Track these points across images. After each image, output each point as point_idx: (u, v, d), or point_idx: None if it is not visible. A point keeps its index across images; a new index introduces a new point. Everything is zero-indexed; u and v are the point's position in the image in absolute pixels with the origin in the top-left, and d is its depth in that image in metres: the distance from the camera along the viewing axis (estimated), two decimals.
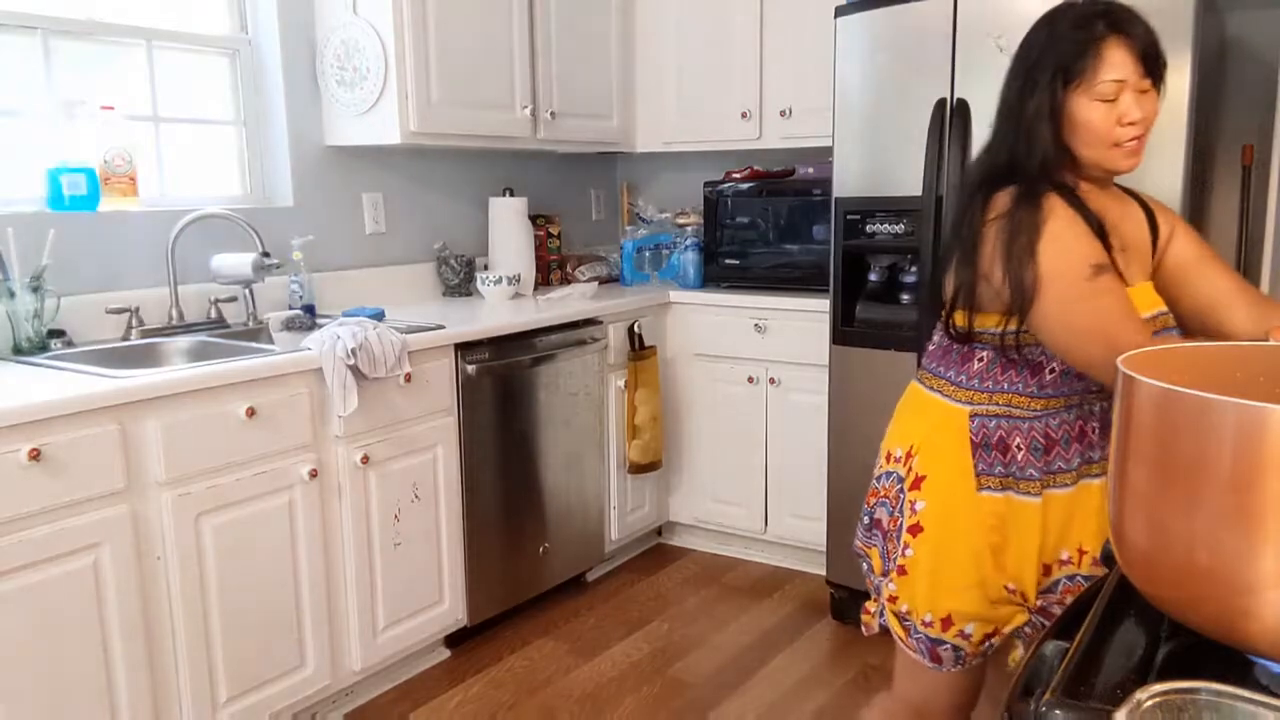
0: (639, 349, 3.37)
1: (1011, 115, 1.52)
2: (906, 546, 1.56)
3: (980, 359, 1.52)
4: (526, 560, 3.03)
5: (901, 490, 1.58)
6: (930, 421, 1.56)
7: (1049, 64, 1.46)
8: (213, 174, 2.96)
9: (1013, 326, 1.46)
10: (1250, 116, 2.89)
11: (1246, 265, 2.89)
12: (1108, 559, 0.96)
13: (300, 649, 2.36)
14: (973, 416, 1.51)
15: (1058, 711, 0.67)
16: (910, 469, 1.57)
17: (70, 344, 2.42)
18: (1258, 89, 2.83)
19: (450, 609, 2.77)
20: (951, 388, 1.55)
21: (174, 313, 2.67)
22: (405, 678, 2.72)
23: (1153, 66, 1.45)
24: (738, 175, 3.60)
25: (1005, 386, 1.50)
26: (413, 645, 2.67)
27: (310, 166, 3.07)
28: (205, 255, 2.74)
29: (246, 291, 2.79)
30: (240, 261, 2.70)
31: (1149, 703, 0.56)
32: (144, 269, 2.65)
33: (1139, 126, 1.43)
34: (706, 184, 3.65)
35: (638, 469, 3.40)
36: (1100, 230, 1.42)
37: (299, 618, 2.35)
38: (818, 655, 2.88)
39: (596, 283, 3.72)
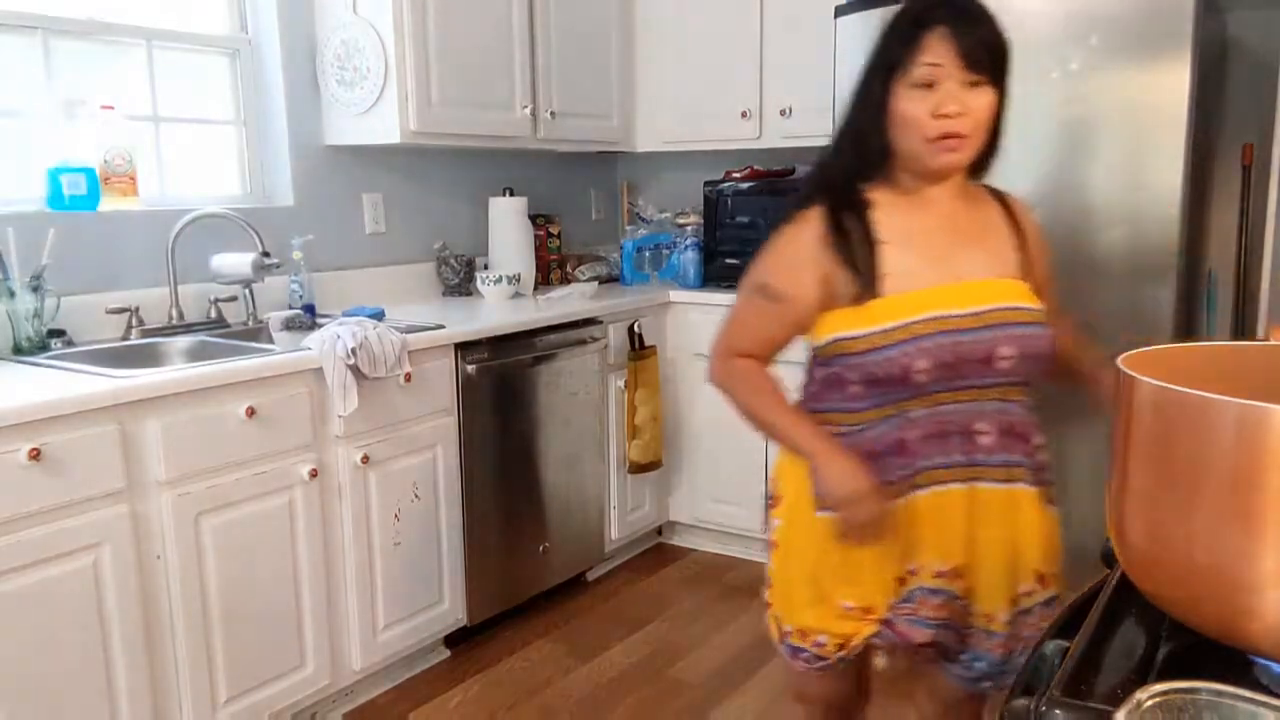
0: (639, 349, 3.37)
1: (844, 119, 1.50)
2: (769, 560, 1.63)
3: (812, 378, 1.56)
4: (526, 560, 3.03)
5: (767, 508, 1.66)
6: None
7: (878, 60, 1.43)
8: (213, 174, 2.96)
9: (808, 341, 1.52)
10: (1250, 116, 2.89)
11: (1246, 265, 2.89)
12: (1107, 559, 0.97)
13: (300, 649, 2.36)
14: None
15: (1058, 711, 0.67)
16: (774, 489, 1.64)
17: (70, 344, 2.42)
18: (1258, 89, 2.83)
19: (450, 609, 2.76)
20: (810, 402, 1.59)
21: (174, 313, 2.67)
22: (405, 678, 2.71)
23: (986, 61, 1.38)
24: (738, 175, 3.60)
25: (826, 404, 1.52)
26: (412, 645, 2.67)
27: (310, 166, 3.06)
28: (205, 255, 2.74)
29: (246, 291, 2.79)
30: (240, 261, 2.69)
31: (1149, 703, 0.56)
32: (144, 269, 2.65)
33: (959, 122, 1.37)
34: (706, 183, 3.65)
35: (638, 469, 3.40)
36: (866, 247, 1.43)
37: (299, 617, 2.35)
38: None
39: (596, 282, 3.72)
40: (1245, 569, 0.70)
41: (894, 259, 1.42)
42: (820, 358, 1.50)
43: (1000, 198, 1.57)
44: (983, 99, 1.38)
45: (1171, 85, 2.40)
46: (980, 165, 1.51)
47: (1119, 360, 0.84)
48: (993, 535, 1.49)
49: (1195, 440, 0.74)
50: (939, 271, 1.43)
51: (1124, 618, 0.84)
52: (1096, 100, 2.48)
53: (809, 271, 1.44)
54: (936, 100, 1.36)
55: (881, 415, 1.46)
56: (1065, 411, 2.60)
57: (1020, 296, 1.46)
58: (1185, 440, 0.75)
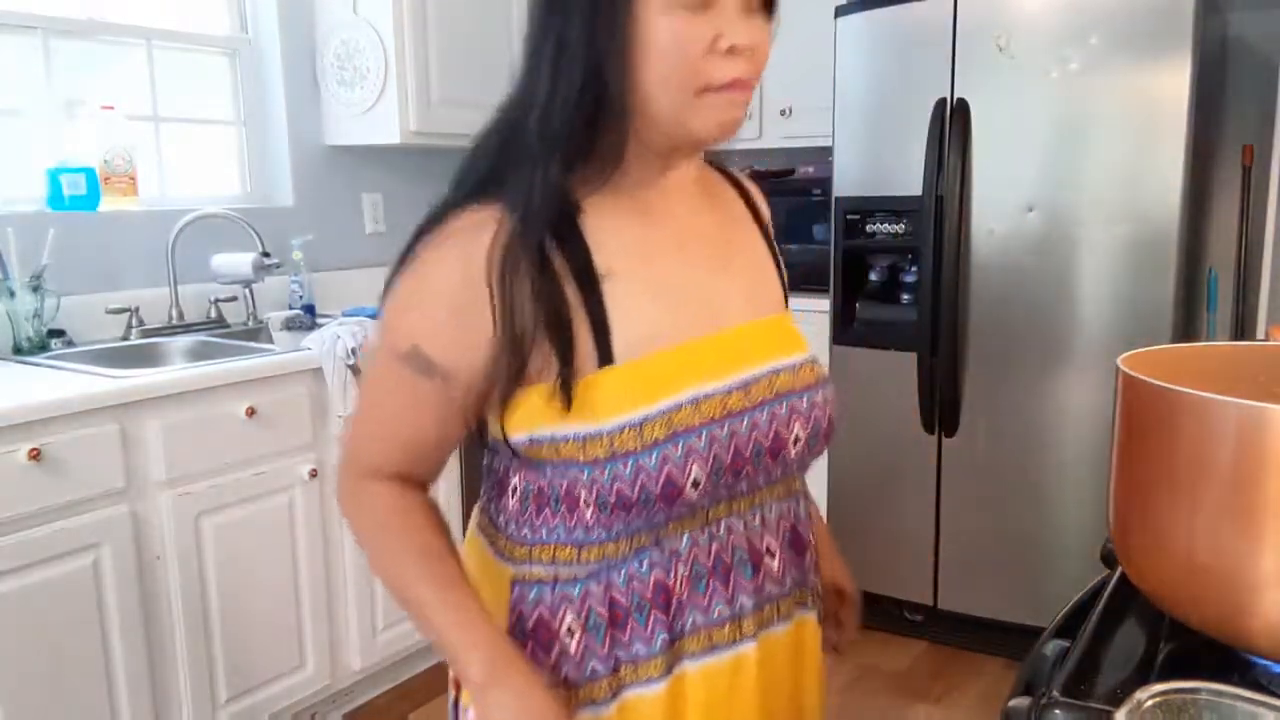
0: None
1: (546, 54, 0.86)
2: None
3: (503, 488, 0.97)
4: None
5: (449, 682, 1.03)
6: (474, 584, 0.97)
7: None
8: (213, 174, 2.96)
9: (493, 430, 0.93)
10: (1250, 116, 2.89)
11: (1246, 265, 2.89)
12: (1107, 559, 0.97)
13: (300, 649, 2.36)
14: (514, 583, 0.95)
15: (1058, 711, 0.67)
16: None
17: (70, 344, 2.42)
18: (1258, 89, 2.84)
19: None
20: (493, 529, 0.99)
21: (174, 312, 2.67)
22: (404, 678, 2.71)
23: None
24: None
25: (533, 535, 0.93)
26: (412, 646, 2.67)
27: (310, 166, 3.06)
28: (205, 255, 2.74)
29: (246, 291, 2.79)
30: (240, 261, 2.70)
31: (1149, 703, 0.56)
32: (144, 269, 2.64)
33: (745, 65, 0.85)
34: None
35: None
36: (583, 283, 0.87)
37: (299, 618, 2.35)
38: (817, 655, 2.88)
39: None
40: (1245, 569, 0.70)
41: (627, 301, 0.88)
42: (518, 457, 0.93)
43: (734, 181, 1.09)
44: (765, 33, 0.88)
45: (1171, 85, 2.40)
46: None
47: (1119, 360, 0.84)
48: (780, 707, 1.03)
49: (1195, 440, 0.74)
50: (691, 316, 0.92)
51: (1124, 618, 0.84)
52: (1096, 100, 2.48)
53: (483, 325, 0.85)
54: (718, 25, 0.83)
55: (628, 550, 0.91)
56: (1065, 408, 2.61)
57: (794, 342, 1.01)
58: (1185, 440, 0.75)
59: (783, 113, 3.46)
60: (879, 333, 2.90)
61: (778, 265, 1.08)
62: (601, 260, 0.88)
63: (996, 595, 2.77)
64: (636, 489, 0.86)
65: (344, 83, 2.96)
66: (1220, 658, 0.73)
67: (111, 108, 2.60)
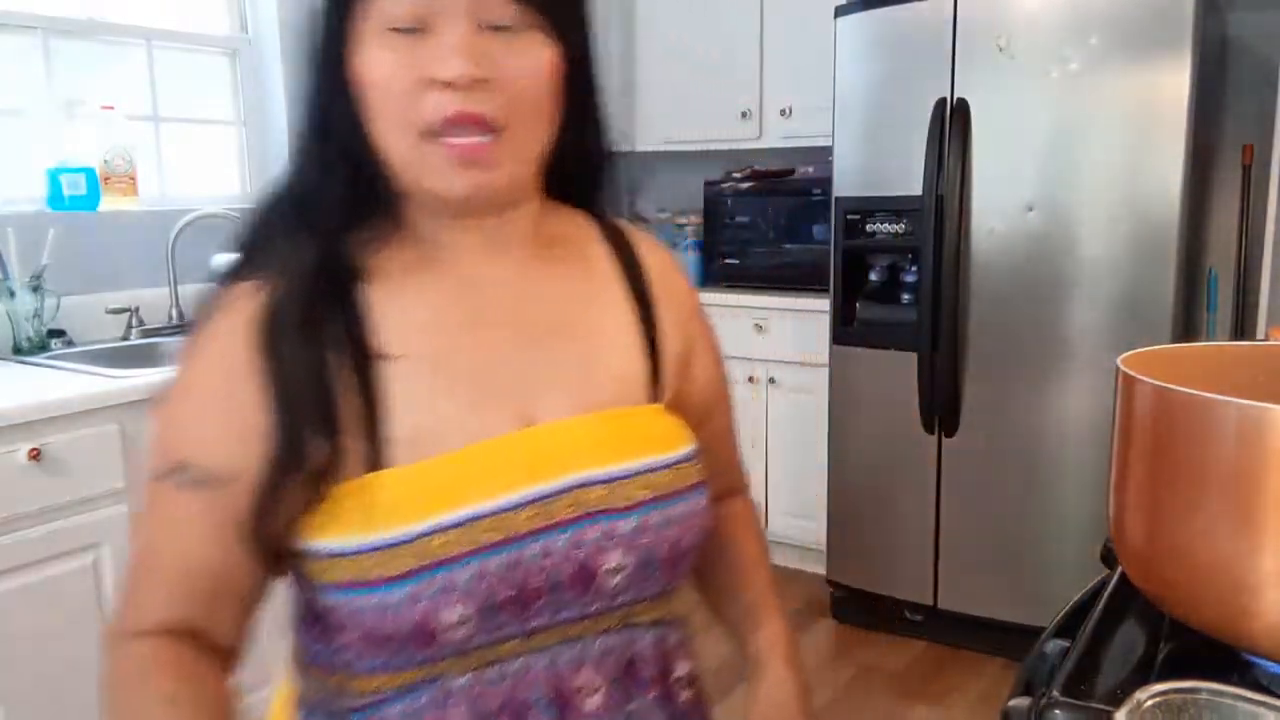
0: None
1: (301, 98, 0.80)
2: None
3: (296, 600, 0.83)
4: None
5: None
6: (272, 711, 0.90)
7: None
8: (213, 174, 2.96)
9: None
10: (1250, 116, 2.89)
11: (1246, 265, 2.89)
12: (1107, 559, 0.97)
13: None
14: (300, 706, 0.84)
15: (1057, 711, 0.67)
16: None
17: (70, 344, 2.42)
18: (1258, 89, 2.84)
19: None
20: (297, 647, 0.85)
21: (174, 312, 2.67)
22: None
23: None
24: (738, 175, 3.60)
25: (315, 655, 0.81)
26: None
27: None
28: (205, 255, 2.73)
29: None
30: None
31: (1149, 702, 0.56)
32: (144, 269, 2.64)
33: (480, 95, 0.70)
34: (706, 183, 3.65)
35: None
36: (355, 366, 0.73)
37: None
38: (817, 655, 2.88)
39: None
40: (1245, 569, 0.70)
41: (408, 389, 0.74)
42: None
43: (617, 236, 0.90)
44: (530, 55, 0.73)
45: (1171, 85, 2.40)
46: (574, 180, 0.87)
47: (1119, 360, 0.84)
48: None
49: (1195, 440, 0.74)
50: (490, 411, 0.76)
51: (1124, 618, 0.84)
52: (1096, 100, 2.48)
53: (248, 416, 0.72)
54: (430, 52, 0.70)
55: (402, 683, 0.75)
56: (1065, 407, 2.61)
57: (645, 440, 0.80)
58: (1185, 440, 0.75)
59: (783, 113, 3.46)
60: (879, 333, 2.90)
61: (664, 349, 0.86)
62: (383, 338, 0.74)
63: (996, 595, 2.77)
64: (385, 625, 0.70)
65: None
66: (1220, 658, 0.73)
67: (111, 108, 2.61)
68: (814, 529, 3.24)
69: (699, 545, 0.82)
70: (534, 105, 0.75)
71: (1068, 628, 0.86)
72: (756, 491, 3.41)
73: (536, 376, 0.79)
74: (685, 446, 0.82)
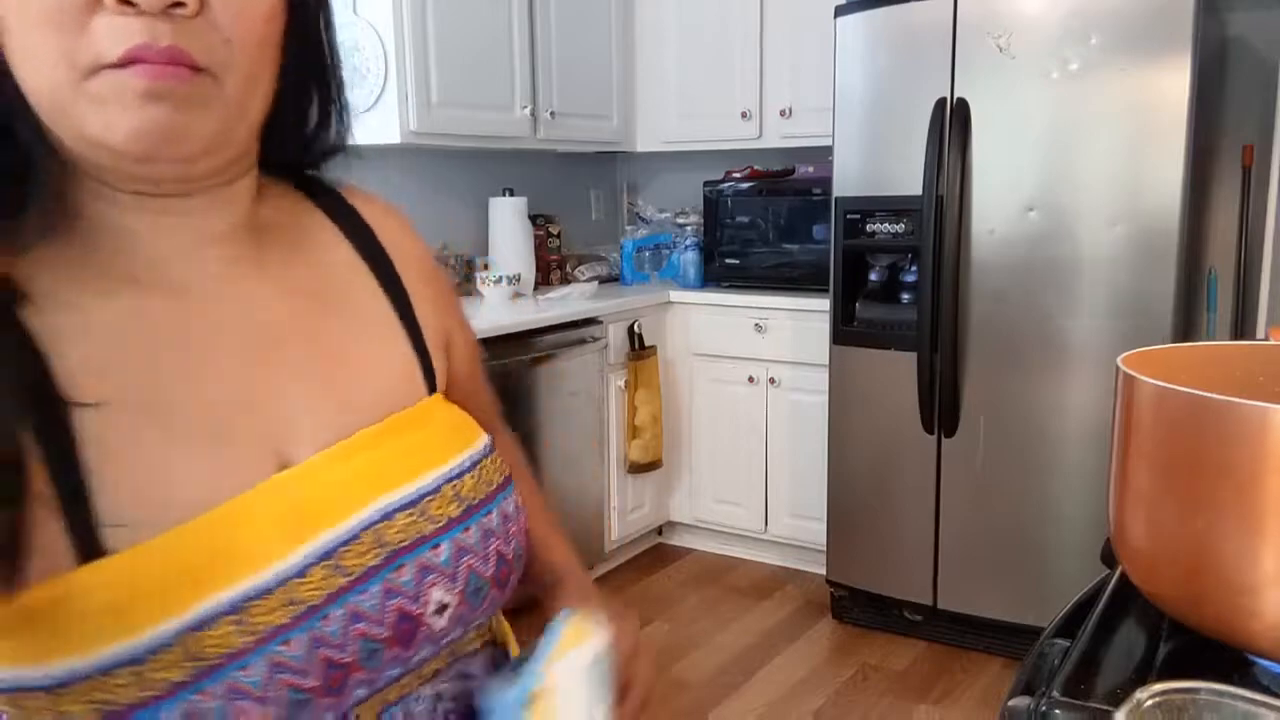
0: (639, 349, 3.37)
1: None
2: None
3: None
4: None
5: None
6: None
7: None
8: None
9: None
10: (1250, 116, 2.89)
11: (1246, 265, 2.89)
12: (1107, 558, 0.97)
13: None
14: None
15: (1058, 711, 0.67)
16: None
17: None
18: (1258, 89, 2.84)
19: None
20: None
21: None
22: None
23: None
24: (738, 175, 3.60)
25: None
26: None
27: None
28: None
29: None
30: None
31: (1149, 702, 0.56)
32: None
33: (175, 28, 0.52)
34: (706, 184, 3.65)
35: (638, 469, 3.40)
36: (40, 400, 0.53)
37: None
38: (818, 655, 2.88)
39: (596, 282, 3.72)
40: (1245, 569, 0.70)
41: (119, 448, 0.55)
42: None
43: (342, 208, 0.77)
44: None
45: (1171, 85, 2.40)
46: (287, 144, 0.71)
47: (1119, 360, 0.84)
48: None
49: (1195, 440, 0.74)
50: (234, 458, 0.58)
51: (1124, 617, 0.84)
52: (1096, 100, 2.48)
53: None
54: None
55: None
56: (1065, 407, 2.61)
57: (436, 443, 0.67)
58: (1185, 440, 0.75)
59: (783, 112, 3.46)
60: (879, 333, 2.90)
61: (412, 326, 0.71)
62: (71, 380, 0.53)
63: (996, 595, 2.77)
64: None
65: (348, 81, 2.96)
66: (1220, 657, 0.73)
67: None
68: (814, 529, 3.24)
69: (525, 551, 0.70)
70: (258, 48, 0.57)
71: (1068, 628, 0.86)
72: (757, 490, 3.42)
73: (284, 403, 0.61)
74: (479, 439, 0.69)
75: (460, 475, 0.65)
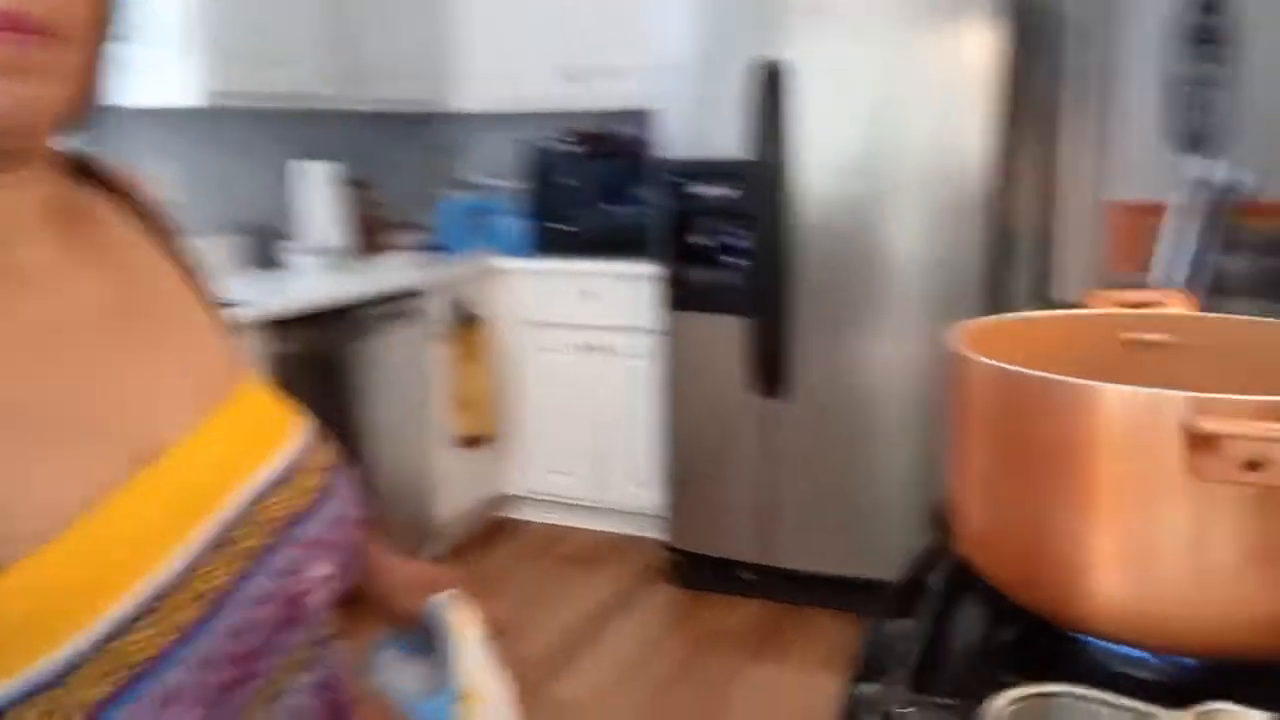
0: (465, 319, 3.26)
1: None
2: None
3: None
4: None
5: None
6: None
7: None
8: None
9: None
10: (1063, 79, 3.02)
11: (1050, 228, 3.04)
12: (935, 520, 0.96)
13: None
14: None
15: (912, 709, 0.66)
16: None
17: None
18: (1070, 51, 2.96)
19: None
20: None
21: None
22: None
23: None
24: (561, 137, 3.51)
25: None
26: None
27: (95, 131, 2.77)
28: None
29: None
30: None
31: (1009, 710, 0.55)
32: None
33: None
34: (530, 146, 3.55)
35: (468, 442, 3.30)
36: None
37: None
38: (658, 620, 2.89)
39: (417, 250, 3.57)
40: (1077, 551, 0.70)
41: None
42: None
43: (99, 170, 0.66)
44: None
45: (982, 48, 2.48)
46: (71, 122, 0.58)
47: (948, 336, 0.83)
48: None
49: (1028, 420, 0.74)
50: (94, 458, 0.52)
51: (962, 599, 0.84)
52: (913, 63, 2.54)
53: None
54: None
55: None
56: (887, 367, 2.68)
57: (280, 418, 0.66)
58: (1018, 420, 0.75)
59: (605, 74, 3.40)
60: (708, 297, 2.90)
61: (208, 299, 0.68)
62: None
63: (827, 550, 2.85)
64: None
65: (133, 39, 2.69)
66: (1059, 640, 0.74)
67: None
68: (651, 495, 3.24)
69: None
70: (93, 12, 0.53)
71: (901, 605, 0.84)
72: (591, 459, 3.39)
73: (138, 388, 0.56)
74: (293, 410, 0.66)
75: (313, 444, 0.65)
